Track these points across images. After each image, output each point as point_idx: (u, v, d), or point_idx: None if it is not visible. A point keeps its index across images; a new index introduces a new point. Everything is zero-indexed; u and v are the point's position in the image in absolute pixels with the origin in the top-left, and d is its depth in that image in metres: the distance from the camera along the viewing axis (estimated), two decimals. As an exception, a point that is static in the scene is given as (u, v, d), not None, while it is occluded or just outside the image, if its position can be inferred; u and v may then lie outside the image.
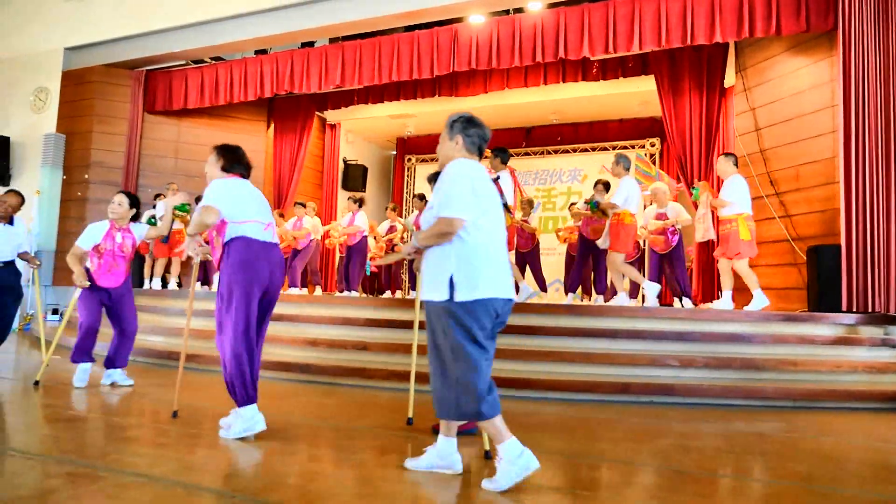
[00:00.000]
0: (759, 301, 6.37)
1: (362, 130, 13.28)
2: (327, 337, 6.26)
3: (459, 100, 10.55)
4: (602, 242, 7.02)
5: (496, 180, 6.09)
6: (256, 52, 9.95)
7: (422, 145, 13.51)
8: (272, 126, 11.49)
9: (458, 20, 8.48)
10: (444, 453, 2.91)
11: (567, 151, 12.25)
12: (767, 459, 3.36)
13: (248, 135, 11.17)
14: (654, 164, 11.64)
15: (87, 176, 10.11)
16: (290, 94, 9.94)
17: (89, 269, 4.99)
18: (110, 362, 5.09)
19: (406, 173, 13.85)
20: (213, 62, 10.20)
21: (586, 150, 12.16)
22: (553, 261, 10.93)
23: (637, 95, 10.37)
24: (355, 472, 2.91)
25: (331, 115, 12.25)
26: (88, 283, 4.87)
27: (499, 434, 2.74)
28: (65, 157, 10.26)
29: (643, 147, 11.81)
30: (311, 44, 9.64)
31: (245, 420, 3.42)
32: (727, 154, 6.77)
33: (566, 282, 8.82)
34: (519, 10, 8.26)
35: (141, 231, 5.13)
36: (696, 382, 5.10)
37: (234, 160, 3.73)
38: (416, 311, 4.00)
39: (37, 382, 4.94)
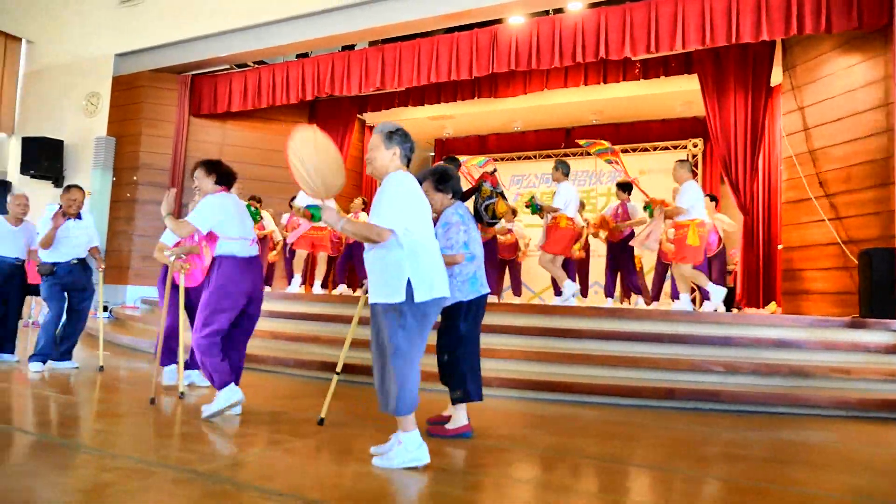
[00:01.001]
0: (685, 303, 6.57)
1: (401, 132, 13.35)
2: (365, 337, 6.30)
3: (499, 101, 10.54)
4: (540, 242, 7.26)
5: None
6: (298, 56, 10.10)
7: (460, 146, 13.51)
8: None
9: (498, 21, 8.46)
10: (412, 445, 3.00)
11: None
12: (818, 471, 3.27)
13: (290, 137, 11.33)
14: (696, 165, 11.44)
15: (135, 178, 10.40)
16: (331, 96, 10.06)
17: (167, 269, 4.97)
18: (191, 363, 5.06)
19: (444, 174, 13.87)
20: (256, 66, 10.39)
21: (627, 151, 11.98)
22: (592, 263, 10.77)
23: (680, 95, 10.19)
24: (403, 472, 2.92)
25: (370, 118, 12.34)
26: (187, 266, 4.76)
27: (409, 424, 2.98)
28: (115, 159, 10.57)
29: (685, 147, 11.60)
30: (351, 47, 9.74)
31: (225, 398, 3.86)
32: (682, 161, 6.81)
33: (606, 286, 8.71)
34: (559, 11, 8.20)
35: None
36: (742, 389, 4.99)
37: (223, 173, 4.17)
38: None
39: (181, 395, 4.65)
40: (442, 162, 6.60)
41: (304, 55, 10.03)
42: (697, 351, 5.52)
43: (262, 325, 6.76)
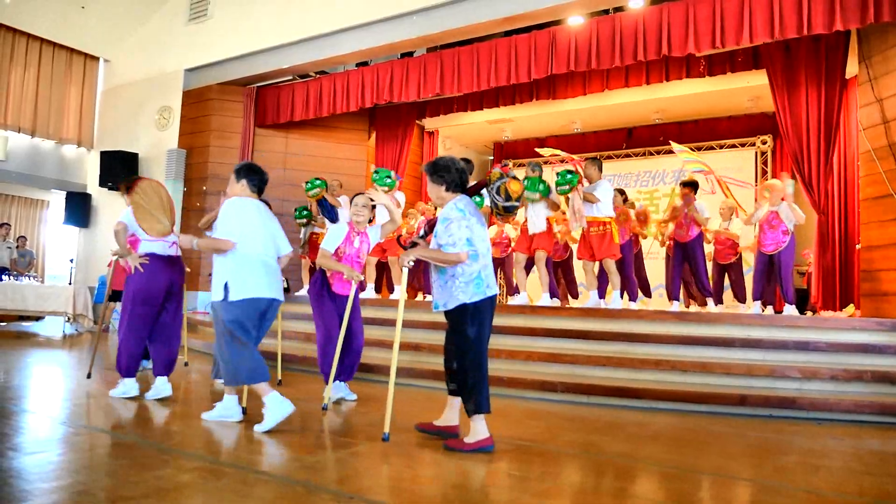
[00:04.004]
0: (616, 301, 7.02)
1: (460, 136, 13.39)
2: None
3: (558, 103, 10.43)
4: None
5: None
6: (358, 65, 10.26)
7: (519, 149, 13.45)
8: (373, 135, 11.81)
9: (557, 23, 8.37)
10: (228, 405, 3.97)
11: (671, 152, 11.78)
12: (910, 482, 3.08)
13: (351, 144, 11.54)
14: (766, 163, 11.03)
15: (205, 188, 10.77)
16: (390, 103, 10.17)
17: (325, 274, 4.75)
18: (342, 375, 4.85)
19: (503, 178, 13.82)
20: (318, 76, 10.61)
21: (692, 150, 11.66)
22: (655, 265, 10.52)
23: (747, 91, 9.84)
24: (468, 478, 2.92)
25: (429, 123, 12.42)
26: (362, 277, 4.60)
27: (264, 391, 3.76)
28: (185, 170, 10.99)
29: (753, 145, 11.19)
30: (410, 54, 9.83)
31: (125, 386, 4.60)
32: (592, 159, 7.33)
33: (668, 288, 8.47)
34: (619, 10, 8.05)
35: (377, 234, 4.83)
36: (821, 396, 4.77)
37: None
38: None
39: (325, 407, 4.54)
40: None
41: (364, 64, 10.18)
42: (771, 356, 5.31)
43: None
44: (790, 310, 6.81)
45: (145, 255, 4.58)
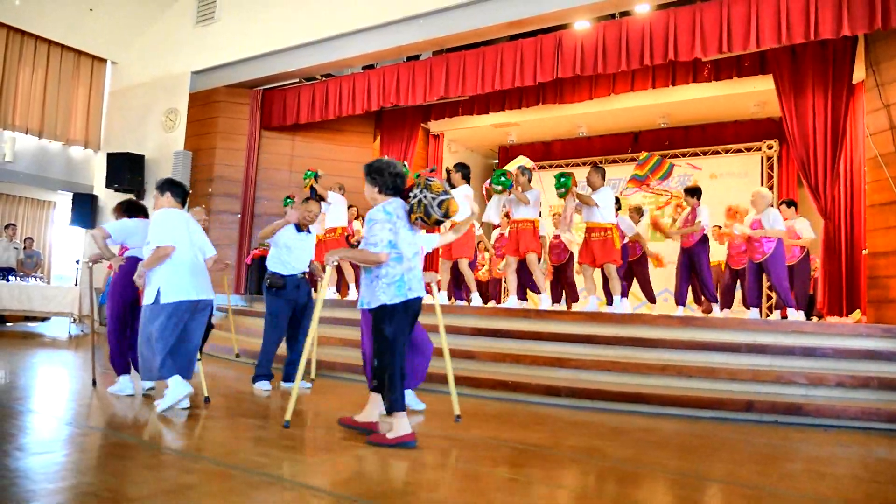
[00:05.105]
0: (624, 306, 7.08)
1: (465, 140, 13.39)
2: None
3: (564, 107, 10.43)
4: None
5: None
6: (364, 68, 10.28)
7: (525, 153, 13.29)
8: (379, 138, 11.82)
9: (563, 27, 8.38)
10: (175, 388, 4.11)
11: (676, 156, 11.78)
12: (918, 490, 3.06)
13: (356, 147, 11.55)
14: (771, 168, 10.99)
15: (210, 189, 10.81)
16: (396, 106, 10.19)
17: None
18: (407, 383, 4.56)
19: (508, 182, 13.80)
20: (324, 79, 10.64)
21: (697, 155, 11.66)
22: (661, 270, 10.49)
23: (753, 96, 9.82)
24: (472, 483, 2.91)
25: (435, 126, 12.42)
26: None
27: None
28: (191, 171, 11.02)
29: (759, 150, 11.16)
30: (416, 57, 9.85)
31: (121, 384, 4.81)
32: (596, 166, 7.33)
33: (676, 293, 8.42)
34: (626, 14, 8.05)
35: (431, 241, 4.50)
36: (827, 402, 4.74)
37: (132, 209, 5.14)
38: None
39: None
40: (452, 167, 6.86)
41: (370, 67, 10.20)
42: (778, 362, 5.29)
43: (337, 332, 6.91)
44: (796, 315, 6.76)
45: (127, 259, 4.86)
